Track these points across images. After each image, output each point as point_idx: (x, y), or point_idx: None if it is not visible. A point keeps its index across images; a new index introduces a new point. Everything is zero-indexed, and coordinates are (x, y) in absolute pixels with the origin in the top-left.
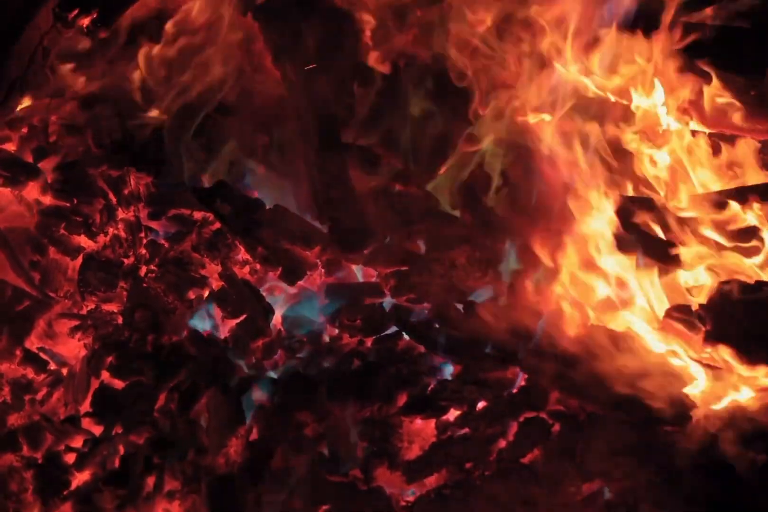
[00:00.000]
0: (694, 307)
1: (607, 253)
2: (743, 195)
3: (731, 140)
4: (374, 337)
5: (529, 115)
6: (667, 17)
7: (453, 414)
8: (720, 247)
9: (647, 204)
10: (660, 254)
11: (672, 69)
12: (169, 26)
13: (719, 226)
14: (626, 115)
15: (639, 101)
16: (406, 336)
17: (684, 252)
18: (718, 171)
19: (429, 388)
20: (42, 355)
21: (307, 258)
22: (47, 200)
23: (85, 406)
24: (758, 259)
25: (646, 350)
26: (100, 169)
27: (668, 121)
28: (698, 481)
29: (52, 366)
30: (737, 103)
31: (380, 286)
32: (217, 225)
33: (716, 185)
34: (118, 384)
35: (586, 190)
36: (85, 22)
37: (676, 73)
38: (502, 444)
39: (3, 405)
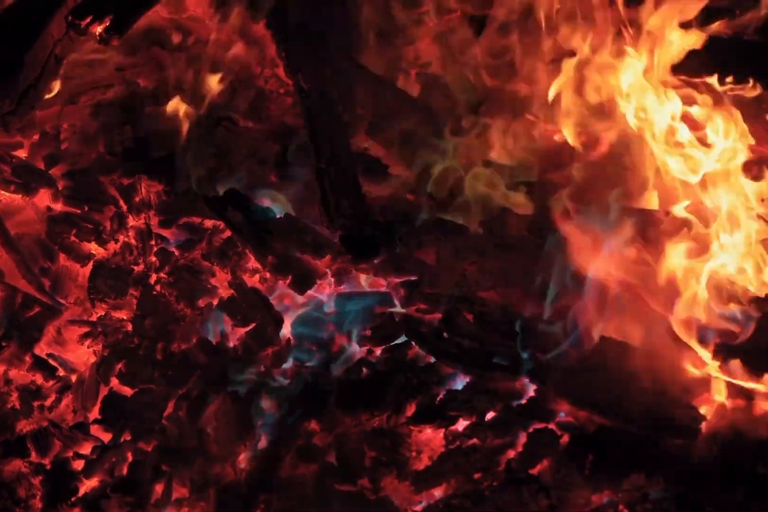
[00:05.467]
0: (704, 320)
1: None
2: None
3: None
4: (384, 347)
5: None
6: None
7: (462, 424)
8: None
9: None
10: None
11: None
12: (181, 35)
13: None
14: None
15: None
16: (415, 346)
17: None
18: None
19: (438, 398)
20: (51, 362)
21: (317, 267)
22: (58, 207)
23: (94, 413)
24: None
25: (656, 362)
26: (112, 176)
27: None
28: (708, 494)
29: (62, 373)
30: None
31: (390, 296)
32: (228, 233)
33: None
34: (127, 391)
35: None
36: (98, 29)
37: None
38: (511, 454)
39: (12, 411)
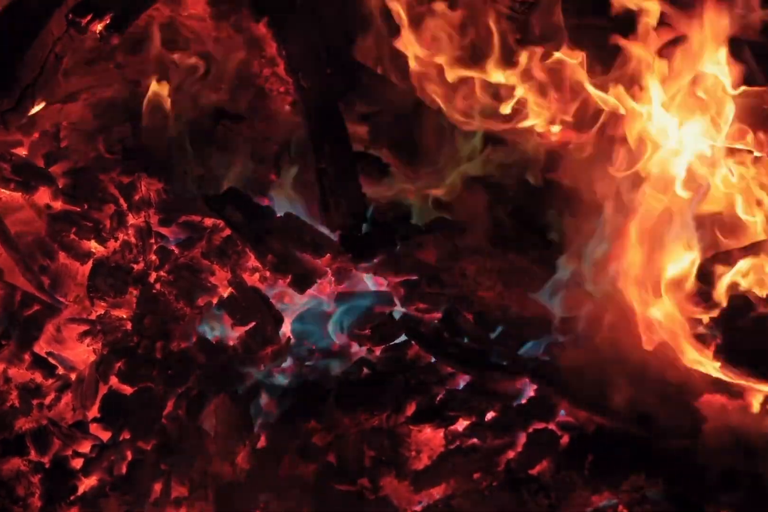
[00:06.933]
0: (706, 321)
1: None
2: None
3: None
4: (383, 346)
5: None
6: None
7: (462, 424)
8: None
9: None
10: None
11: None
12: (182, 33)
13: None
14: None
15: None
16: (415, 346)
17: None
18: None
19: (438, 398)
20: (51, 360)
21: (317, 266)
22: (58, 205)
23: (93, 412)
24: None
25: (656, 362)
26: (111, 174)
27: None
28: (708, 494)
29: (61, 371)
30: None
31: (390, 295)
32: (228, 232)
33: None
34: (127, 389)
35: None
36: (98, 27)
37: None
38: (511, 454)
39: (11, 409)
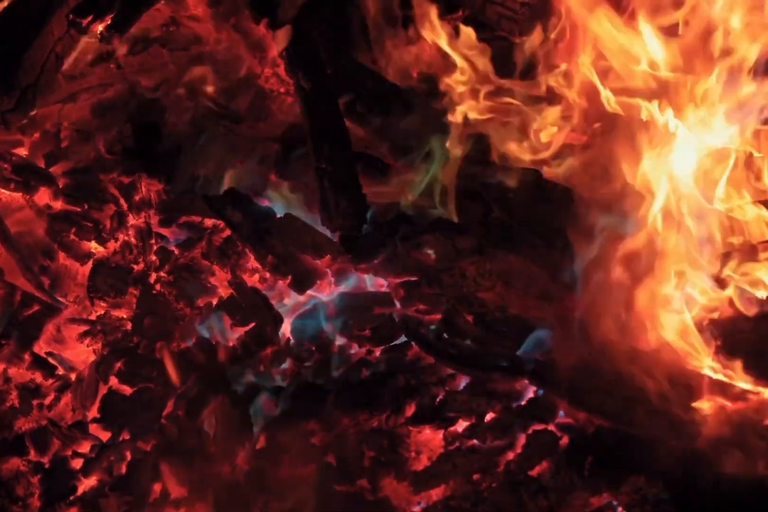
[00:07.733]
0: (706, 321)
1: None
2: None
3: None
4: (383, 347)
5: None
6: None
7: (461, 425)
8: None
9: None
10: None
11: None
12: (182, 33)
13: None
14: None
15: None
16: (415, 347)
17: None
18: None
19: (437, 399)
20: (51, 360)
21: (317, 267)
22: (58, 205)
23: (93, 412)
24: None
25: (657, 363)
26: (112, 175)
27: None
28: (707, 496)
29: (61, 371)
30: None
31: (390, 296)
32: (228, 232)
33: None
34: (127, 390)
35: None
36: (99, 28)
37: None
38: (510, 455)
39: (11, 409)
